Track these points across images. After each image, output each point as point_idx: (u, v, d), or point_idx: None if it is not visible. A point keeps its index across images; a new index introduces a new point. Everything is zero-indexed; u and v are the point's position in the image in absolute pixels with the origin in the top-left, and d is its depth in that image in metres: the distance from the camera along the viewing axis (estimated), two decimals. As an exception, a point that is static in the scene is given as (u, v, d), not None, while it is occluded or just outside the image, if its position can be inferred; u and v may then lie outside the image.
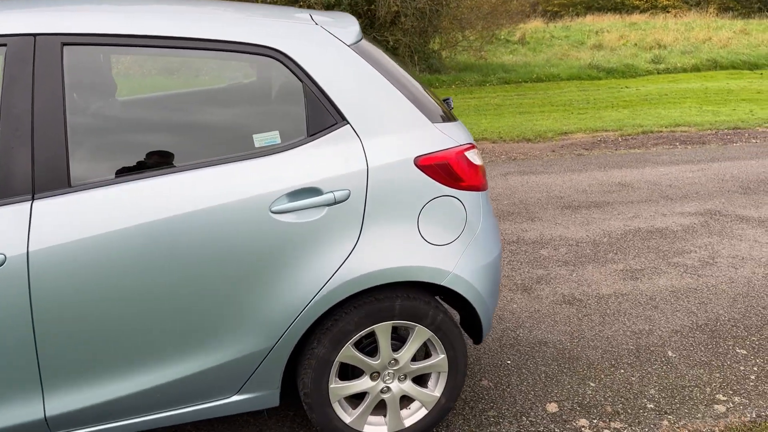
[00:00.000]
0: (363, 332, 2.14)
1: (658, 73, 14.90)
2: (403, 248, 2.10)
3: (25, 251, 1.78)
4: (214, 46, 1.97)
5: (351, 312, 2.11)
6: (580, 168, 6.59)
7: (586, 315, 3.41)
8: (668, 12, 27.82)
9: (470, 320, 2.40)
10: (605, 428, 2.50)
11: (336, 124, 2.04)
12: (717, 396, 2.70)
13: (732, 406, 2.64)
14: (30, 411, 1.90)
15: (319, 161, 2.00)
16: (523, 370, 2.90)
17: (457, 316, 2.67)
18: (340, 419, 2.24)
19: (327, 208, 2.00)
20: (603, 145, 7.74)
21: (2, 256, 1.76)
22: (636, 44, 18.36)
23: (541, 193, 5.73)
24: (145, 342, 1.95)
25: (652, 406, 2.64)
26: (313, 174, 1.99)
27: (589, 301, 3.57)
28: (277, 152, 1.99)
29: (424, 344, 2.28)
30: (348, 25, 2.22)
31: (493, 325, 3.28)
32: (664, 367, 2.91)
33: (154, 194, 1.88)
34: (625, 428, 2.50)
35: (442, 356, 2.28)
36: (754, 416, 2.57)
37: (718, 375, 2.85)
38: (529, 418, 2.57)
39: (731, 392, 2.72)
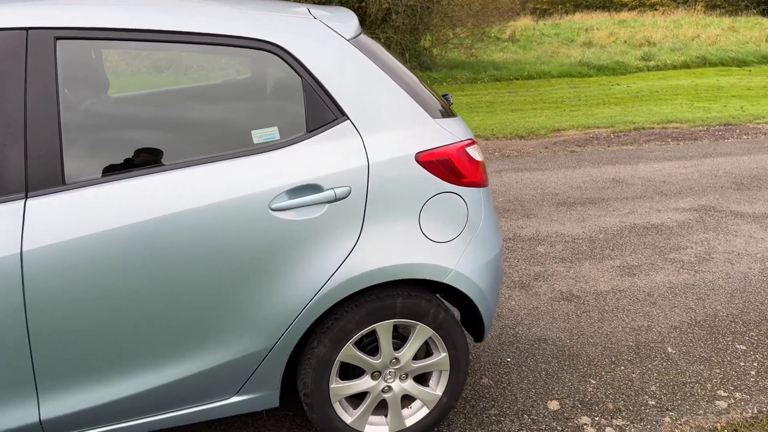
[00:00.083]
0: (364, 331, 2.11)
1: (648, 70, 14.95)
2: (404, 245, 2.07)
3: (19, 251, 1.73)
4: (211, 40, 1.93)
5: (352, 310, 2.07)
6: (574, 165, 6.59)
7: (584, 312, 3.40)
8: (656, 10, 27.95)
9: (471, 318, 2.37)
10: (607, 425, 2.48)
11: (336, 119, 2.00)
12: (718, 392, 2.69)
13: (733, 401, 2.63)
14: (25, 414, 1.85)
15: (319, 157, 1.97)
16: (524, 368, 2.88)
17: (457, 314, 2.64)
18: (341, 419, 2.21)
19: (327, 205, 1.97)
20: (596, 141, 7.74)
21: (-5, 256, 1.72)
22: (626, 41, 18.42)
23: (535, 189, 5.71)
24: (142, 343, 1.91)
25: (654, 402, 2.63)
26: (313, 170, 1.95)
27: (587, 298, 3.55)
28: (277, 148, 1.95)
29: (425, 343, 2.25)
30: (347, 20, 2.19)
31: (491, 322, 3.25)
32: (664, 364, 2.90)
33: (152, 192, 1.84)
34: (628, 425, 2.49)
35: (444, 355, 2.25)
36: (756, 412, 2.56)
37: (718, 371, 2.84)
38: (531, 416, 2.55)
39: (732, 388, 2.72)
